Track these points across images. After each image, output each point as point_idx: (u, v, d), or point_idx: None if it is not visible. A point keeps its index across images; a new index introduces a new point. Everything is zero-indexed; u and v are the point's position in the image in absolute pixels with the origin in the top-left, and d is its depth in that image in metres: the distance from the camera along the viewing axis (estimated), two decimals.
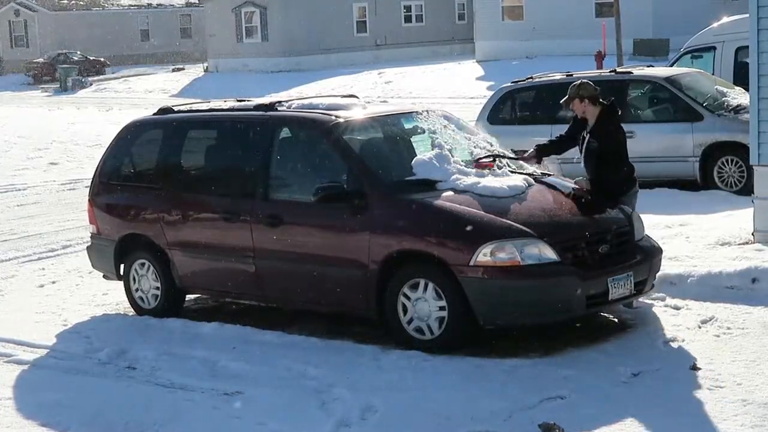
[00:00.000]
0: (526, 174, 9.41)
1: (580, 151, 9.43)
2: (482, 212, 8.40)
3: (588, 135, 9.29)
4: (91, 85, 52.43)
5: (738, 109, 14.75)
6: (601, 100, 9.34)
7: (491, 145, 9.65)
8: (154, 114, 10.93)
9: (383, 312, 8.67)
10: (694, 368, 7.72)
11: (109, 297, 11.17)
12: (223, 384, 8.12)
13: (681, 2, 39.83)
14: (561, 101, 9.56)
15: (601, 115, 9.28)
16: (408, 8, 56.83)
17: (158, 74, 55.99)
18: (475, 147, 9.57)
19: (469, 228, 8.27)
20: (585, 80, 9.62)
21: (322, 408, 7.44)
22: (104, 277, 11.01)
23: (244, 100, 10.82)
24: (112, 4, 69.49)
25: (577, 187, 9.08)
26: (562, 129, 15.55)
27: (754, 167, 11.24)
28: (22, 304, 11.23)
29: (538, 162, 9.66)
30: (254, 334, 9.34)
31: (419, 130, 9.74)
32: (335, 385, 7.83)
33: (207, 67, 55.06)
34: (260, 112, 9.88)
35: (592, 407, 7.11)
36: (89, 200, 10.97)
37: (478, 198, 8.59)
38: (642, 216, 9.30)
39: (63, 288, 11.87)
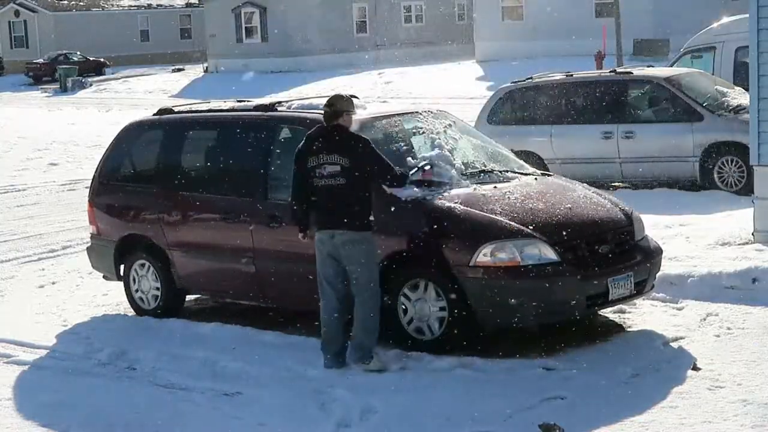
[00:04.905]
0: (526, 174, 9.42)
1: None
2: (482, 212, 8.39)
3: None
4: (91, 85, 52.42)
5: (738, 109, 14.75)
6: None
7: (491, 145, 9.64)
8: (153, 114, 10.92)
9: (383, 312, 8.66)
10: (694, 368, 7.71)
11: (109, 297, 11.17)
12: (223, 384, 8.11)
13: (681, 2, 39.83)
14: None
15: None
16: (408, 8, 56.87)
17: (158, 75, 55.98)
18: (475, 148, 9.55)
19: (469, 228, 8.27)
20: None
21: (322, 408, 7.43)
22: (104, 277, 11.01)
23: (244, 101, 10.82)
24: (112, 5, 69.41)
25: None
26: (561, 129, 15.83)
27: (754, 167, 11.24)
28: (22, 304, 11.23)
29: None
30: (254, 334, 9.35)
31: (420, 131, 9.72)
32: (335, 386, 7.82)
33: (207, 67, 55.06)
34: (260, 113, 9.88)
35: (592, 407, 7.11)
36: (89, 201, 10.98)
37: (479, 197, 8.58)
38: (642, 216, 9.30)
39: (63, 288, 11.86)
